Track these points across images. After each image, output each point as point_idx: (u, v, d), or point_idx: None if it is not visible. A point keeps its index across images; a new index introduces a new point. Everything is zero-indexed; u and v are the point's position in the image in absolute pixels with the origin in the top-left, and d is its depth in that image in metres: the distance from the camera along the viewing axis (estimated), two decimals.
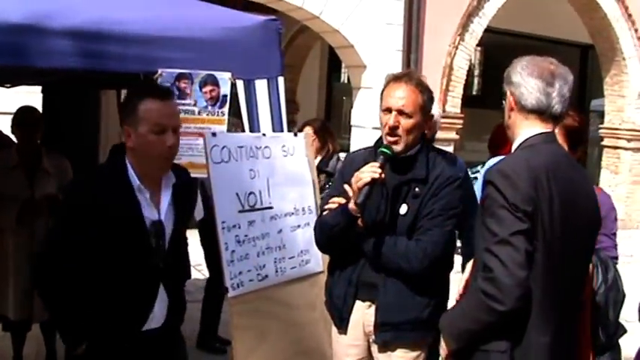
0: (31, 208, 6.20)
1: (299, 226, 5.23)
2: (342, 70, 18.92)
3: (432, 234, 4.05)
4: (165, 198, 3.82)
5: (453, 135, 13.67)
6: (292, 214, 5.20)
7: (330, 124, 8.61)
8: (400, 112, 4.06)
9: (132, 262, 3.70)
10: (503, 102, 3.50)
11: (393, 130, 4.07)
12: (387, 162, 4.03)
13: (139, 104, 3.65)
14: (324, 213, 4.27)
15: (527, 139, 3.41)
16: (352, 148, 12.05)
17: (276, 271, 5.03)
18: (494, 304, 3.15)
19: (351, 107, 13.99)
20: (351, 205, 4.00)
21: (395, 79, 4.18)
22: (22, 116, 6.50)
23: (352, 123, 13.84)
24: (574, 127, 4.32)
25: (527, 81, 3.40)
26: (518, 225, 3.17)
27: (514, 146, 3.46)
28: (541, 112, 3.41)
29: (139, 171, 3.73)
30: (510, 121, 3.48)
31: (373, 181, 3.90)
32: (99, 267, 3.66)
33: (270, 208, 5.03)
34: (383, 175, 3.93)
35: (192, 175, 4.69)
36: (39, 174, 6.35)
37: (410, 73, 4.33)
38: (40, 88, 9.71)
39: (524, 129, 3.43)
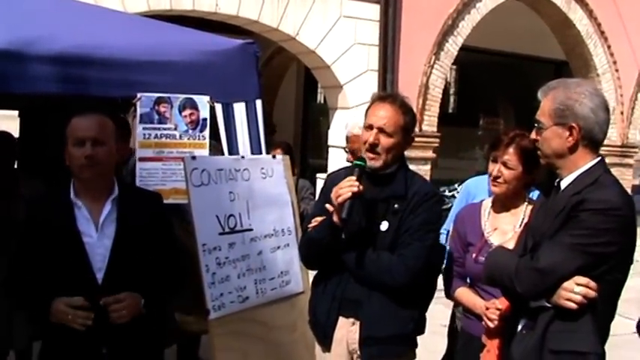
0: (6, 234, 6.13)
1: (279, 247, 5.25)
2: (319, 90, 18.94)
3: (414, 248, 4.10)
4: (105, 213, 3.93)
5: (429, 154, 13.72)
6: (272, 235, 5.22)
7: (308, 145, 8.65)
8: (381, 130, 4.13)
9: (70, 277, 3.82)
10: (542, 130, 3.53)
11: (372, 147, 4.14)
12: (362, 174, 4.08)
13: (68, 126, 3.90)
14: (309, 229, 4.31)
15: (589, 168, 3.48)
16: (330, 169, 12.11)
17: (257, 293, 5.04)
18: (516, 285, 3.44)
19: (328, 127, 14.03)
20: (335, 219, 4.04)
21: (379, 98, 4.29)
22: None
23: (329, 143, 13.86)
24: (530, 148, 4.05)
25: (598, 115, 3.46)
26: (602, 248, 3.33)
27: (572, 176, 3.50)
28: (601, 142, 3.54)
29: (78, 188, 3.93)
30: (573, 154, 3.50)
31: (354, 195, 3.95)
32: (47, 281, 3.84)
33: (250, 230, 5.05)
34: (361, 187, 3.98)
35: (178, 201, 4.71)
36: (15, 200, 6.28)
37: (395, 94, 4.41)
38: (17, 112, 9.70)
39: (585, 159, 3.50)
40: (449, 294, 4.67)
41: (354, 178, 4.01)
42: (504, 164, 4.37)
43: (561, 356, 3.39)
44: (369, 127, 4.19)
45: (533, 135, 3.62)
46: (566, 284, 3.33)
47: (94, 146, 3.83)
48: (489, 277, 3.73)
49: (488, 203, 4.63)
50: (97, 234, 3.90)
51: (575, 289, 3.31)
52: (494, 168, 4.42)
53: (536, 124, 3.58)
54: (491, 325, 4.04)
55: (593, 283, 3.32)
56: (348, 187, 3.96)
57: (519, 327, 3.59)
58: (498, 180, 4.40)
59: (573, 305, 3.32)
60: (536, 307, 3.47)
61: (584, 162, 3.48)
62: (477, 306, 4.35)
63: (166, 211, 4.34)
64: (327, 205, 4.14)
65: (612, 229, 3.32)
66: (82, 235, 3.87)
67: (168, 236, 4.22)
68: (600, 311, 3.40)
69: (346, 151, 6.43)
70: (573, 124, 3.44)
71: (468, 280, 4.56)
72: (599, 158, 3.52)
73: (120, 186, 4.05)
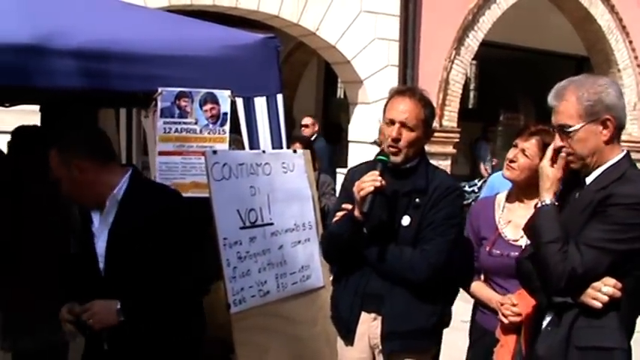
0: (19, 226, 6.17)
1: (299, 241, 5.24)
2: (339, 85, 18.93)
3: (436, 243, 4.12)
4: (106, 207, 3.99)
5: (449, 149, 13.69)
6: (293, 229, 5.20)
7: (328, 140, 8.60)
8: (403, 125, 4.15)
9: (82, 265, 4.06)
10: (571, 133, 3.42)
11: (395, 142, 4.15)
12: (385, 169, 4.10)
13: None
14: (331, 224, 4.35)
15: (616, 162, 3.43)
16: (350, 164, 12.10)
17: (278, 287, 5.04)
18: (548, 277, 3.37)
19: (348, 123, 14.02)
20: (356, 213, 4.05)
21: (399, 92, 4.30)
22: (21, 136, 6.47)
23: (349, 138, 13.86)
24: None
25: (621, 102, 3.44)
26: (631, 244, 3.28)
27: (598, 171, 3.44)
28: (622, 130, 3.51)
29: None
30: (608, 146, 3.44)
31: (376, 189, 3.96)
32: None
33: (271, 224, 5.04)
34: (384, 182, 3.99)
35: (197, 195, 4.71)
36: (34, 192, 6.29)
37: (414, 88, 4.47)
38: (38, 107, 9.72)
39: (614, 152, 3.45)
40: (465, 288, 4.66)
41: (377, 172, 4.02)
42: (523, 151, 4.39)
43: (587, 352, 3.35)
44: (390, 121, 4.20)
45: (558, 142, 3.51)
46: (595, 284, 3.30)
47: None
48: (528, 234, 3.66)
49: (502, 197, 4.64)
50: (98, 225, 4.02)
51: (603, 289, 3.28)
52: (512, 152, 4.44)
53: (560, 130, 3.48)
54: (505, 320, 4.05)
55: (619, 284, 3.29)
56: (370, 182, 3.97)
57: (544, 324, 3.57)
58: (513, 164, 4.42)
59: (599, 305, 3.29)
60: (560, 304, 3.44)
61: (613, 155, 3.44)
62: (492, 300, 4.35)
63: (179, 210, 4.13)
64: (346, 205, 4.16)
65: None
66: (92, 225, 4.04)
67: (177, 238, 4.01)
68: (627, 306, 3.36)
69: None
70: (607, 116, 3.38)
71: (482, 275, 4.57)
72: (624, 152, 3.47)
73: (132, 182, 4.03)
